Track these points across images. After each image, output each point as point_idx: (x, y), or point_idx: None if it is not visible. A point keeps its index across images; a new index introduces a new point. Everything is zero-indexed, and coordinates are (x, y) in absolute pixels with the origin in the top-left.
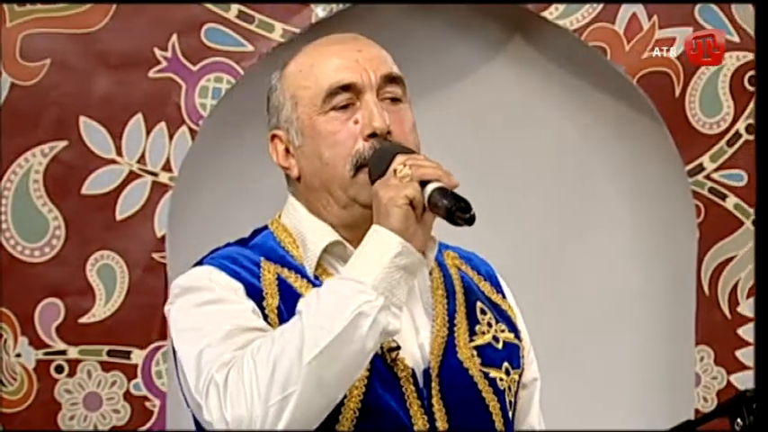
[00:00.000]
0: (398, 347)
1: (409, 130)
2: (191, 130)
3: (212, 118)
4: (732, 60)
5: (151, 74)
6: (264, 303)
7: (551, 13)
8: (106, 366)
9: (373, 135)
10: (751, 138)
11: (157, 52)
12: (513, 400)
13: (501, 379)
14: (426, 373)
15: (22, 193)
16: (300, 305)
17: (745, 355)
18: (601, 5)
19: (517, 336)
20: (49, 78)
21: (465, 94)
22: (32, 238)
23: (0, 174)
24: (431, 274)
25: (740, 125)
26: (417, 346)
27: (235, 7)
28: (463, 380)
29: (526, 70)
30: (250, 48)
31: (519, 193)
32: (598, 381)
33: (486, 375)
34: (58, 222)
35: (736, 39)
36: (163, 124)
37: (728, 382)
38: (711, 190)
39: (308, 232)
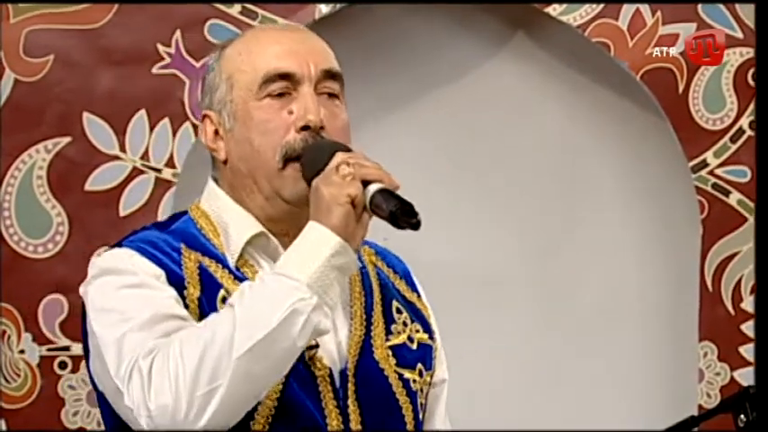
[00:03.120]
0: (317, 345)
1: (341, 127)
2: (194, 126)
3: None
4: (736, 57)
5: (154, 70)
6: (186, 293)
7: (554, 9)
8: None
9: (306, 128)
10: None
11: (161, 48)
12: (424, 402)
13: (414, 381)
14: (343, 373)
15: (25, 190)
16: (233, 298)
17: (749, 352)
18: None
19: (431, 336)
20: (52, 74)
21: (467, 91)
22: (36, 234)
23: (3, 170)
24: None
25: (744, 121)
26: (335, 344)
27: (238, 3)
28: (378, 381)
29: (529, 66)
30: None
31: (521, 189)
32: (601, 377)
33: (400, 377)
34: (62, 218)
35: (739, 35)
36: (166, 120)
37: (732, 378)
38: (715, 186)
39: (231, 222)
